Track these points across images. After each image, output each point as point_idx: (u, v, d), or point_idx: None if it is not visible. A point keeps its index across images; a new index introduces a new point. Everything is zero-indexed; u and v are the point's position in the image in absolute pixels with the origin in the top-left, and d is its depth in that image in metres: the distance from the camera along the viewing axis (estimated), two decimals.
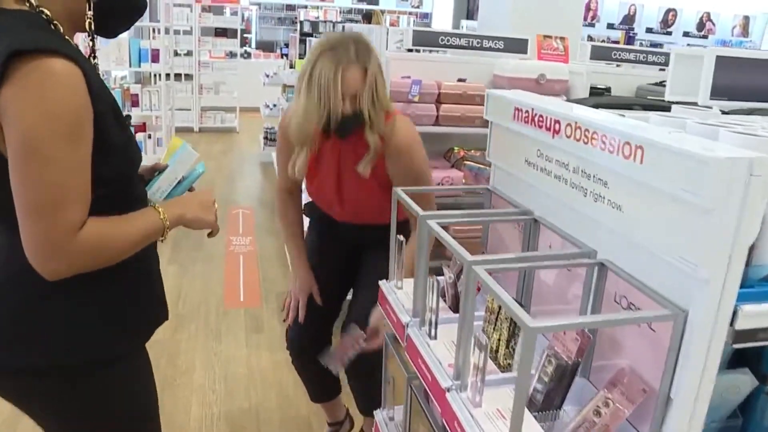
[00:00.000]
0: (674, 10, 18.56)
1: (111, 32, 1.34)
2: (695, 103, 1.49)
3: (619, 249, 1.14)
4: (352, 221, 2.18)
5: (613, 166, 1.10)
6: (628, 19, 18.12)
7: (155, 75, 6.54)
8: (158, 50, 4.75)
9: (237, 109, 9.32)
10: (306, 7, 15.03)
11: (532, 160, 1.39)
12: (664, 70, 3.77)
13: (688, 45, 17.23)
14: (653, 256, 1.04)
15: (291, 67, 5.47)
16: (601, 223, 1.17)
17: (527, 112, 1.37)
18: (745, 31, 19.53)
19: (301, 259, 2.25)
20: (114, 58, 4.72)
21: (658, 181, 1.00)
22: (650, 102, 2.10)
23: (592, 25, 13.81)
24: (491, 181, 1.65)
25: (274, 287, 4.13)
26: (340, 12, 13.53)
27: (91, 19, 1.24)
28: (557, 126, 1.25)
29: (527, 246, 1.43)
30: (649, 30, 18.17)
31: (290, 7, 16.16)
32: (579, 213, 1.24)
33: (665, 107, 1.59)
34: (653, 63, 3.62)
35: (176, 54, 9.26)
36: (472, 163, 3.16)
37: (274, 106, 7.01)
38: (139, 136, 4.96)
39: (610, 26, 17.50)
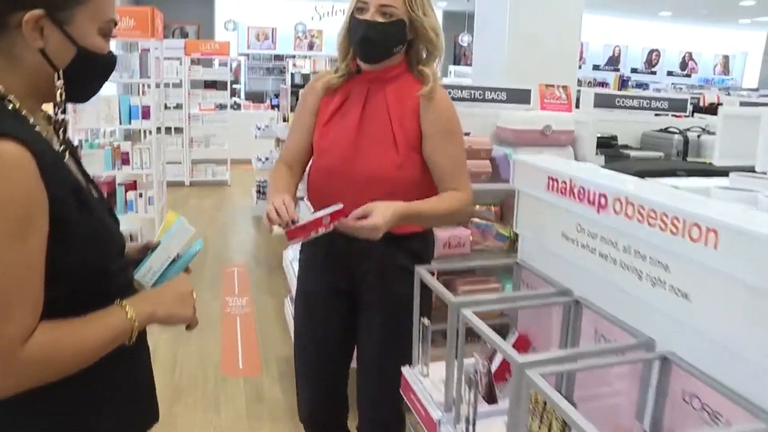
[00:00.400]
0: (657, 50, 18.92)
1: (84, 97, 1.20)
2: (750, 168, 1.37)
3: (686, 341, 1.00)
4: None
5: (676, 249, 0.97)
6: (614, 60, 18.42)
7: (145, 131, 6.45)
8: (149, 106, 4.62)
9: (228, 161, 9.23)
10: (294, 56, 15.14)
11: (571, 235, 1.26)
12: (660, 114, 3.70)
13: (673, 84, 17.50)
14: (731, 353, 0.91)
15: (284, 120, 5.39)
16: (660, 311, 1.04)
17: (564, 182, 1.24)
18: (725, 69, 19.90)
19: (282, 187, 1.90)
20: (104, 116, 4.61)
21: (737, 268, 0.87)
22: (694, 166, 1.98)
23: (579, 66, 13.90)
24: (519, 254, 1.52)
25: (274, 351, 3.95)
26: (329, 60, 13.59)
27: (62, 89, 1.11)
28: (603, 200, 1.13)
29: (567, 329, 1.29)
30: (634, 70, 18.47)
31: (278, 57, 16.27)
32: (632, 297, 1.10)
33: (711, 171, 1.48)
34: (657, 109, 3.55)
35: (166, 107, 9.22)
36: (479, 220, 3.04)
37: (266, 159, 6.90)
38: (130, 195, 4.83)
39: (596, 68, 17.78)
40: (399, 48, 1.79)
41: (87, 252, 1.08)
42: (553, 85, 3.38)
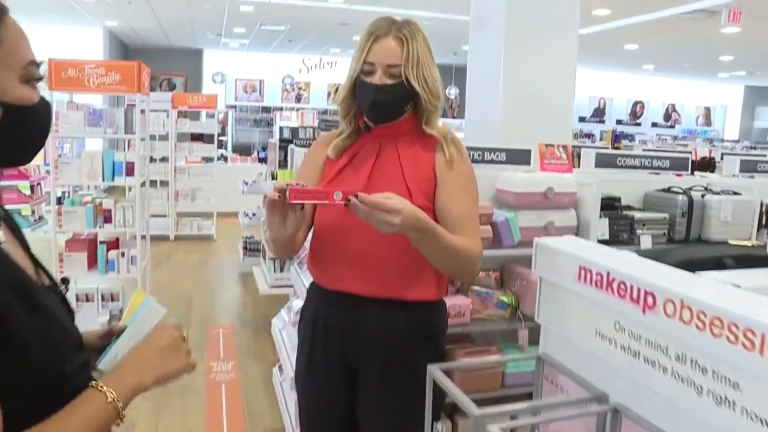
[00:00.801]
0: (641, 102, 19.19)
1: (23, 159, 1.04)
2: None
3: None
4: (361, 278, 1.70)
5: (750, 366, 0.82)
6: (599, 112, 18.64)
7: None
8: (133, 162, 4.48)
9: (214, 215, 9.06)
10: (282, 109, 15.15)
11: (608, 334, 1.11)
12: (660, 173, 3.61)
13: (657, 135, 17.70)
14: None
15: (273, 177, 5.25)
16: None
17: (600, 274, 1.10)
18: (707, 120, 20.21)
19: None
20: (86, 172, 4.45)
21: None
22: (737, 252, 1.82)
23: None
24: (541, 347, 1.36)
25: (262, 422, 3.73)
26: (317, 113, 13.61)
27: None
28: (650, 300, 0.98)
29: None
30: (619, 122, 18.69)
31: (266, 109, 16.29)
32: (687, 413, 0.95)
33: (760, 258, 1.34)
34: (658, 168, 3.45)
35: (152, 160, 9.09)
36: (479, 288, 2.89)
37: (253, 214, 6.74)
38: (112, 254, 4.63)
39: (582, 119, 17.96)
40: (409, 105, 1.72)
41: (38, 358, 0.92)
42: (552, 145, 3.28)
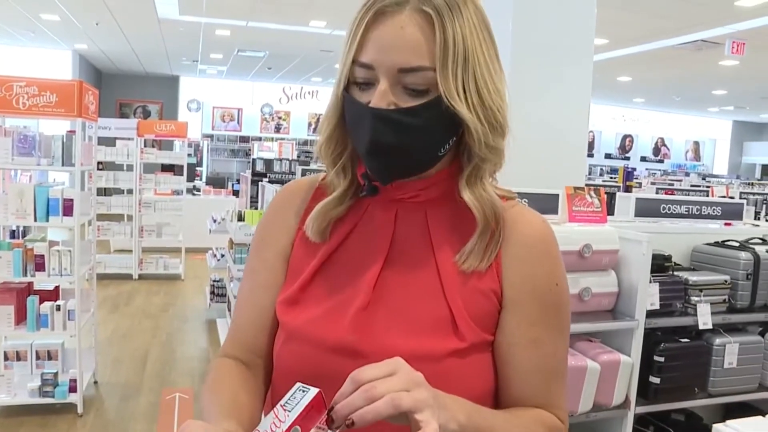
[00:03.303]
0: (630, 136, 18.83)
1: None
2: None
3: None
4: None
5: None
6: (588, 146, 18.21)
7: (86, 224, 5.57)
8: (71, 200, 3.76)
9: (182, 251, 8.32)
10: (261, 139, 14.52)
11: None
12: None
13: (647, 169, 17.30)
14: None
15: (240, 219, 4.53)
16: None
17: None
18: (696, 155, 19.91)
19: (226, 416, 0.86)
20: (13, 210, 3.72)
21: None
22: None
23: None
24: None
25: None
26: (296, 144, 12.95)
27: None
28: None
29: None
30: (608, 156, 18.28)
31: (244, 139, 15.64)
32: None
33: None
34: (708, 217, 2.82)
35: (118, 192, 8.37)
36: None
37: (222, 256, 6.03)
38: (45, 308, 3.88)
39: None
40: (448, 147, 0.91)
41: None
42: (582, 189, 2.63)
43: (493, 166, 0.93)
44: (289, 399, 0.73)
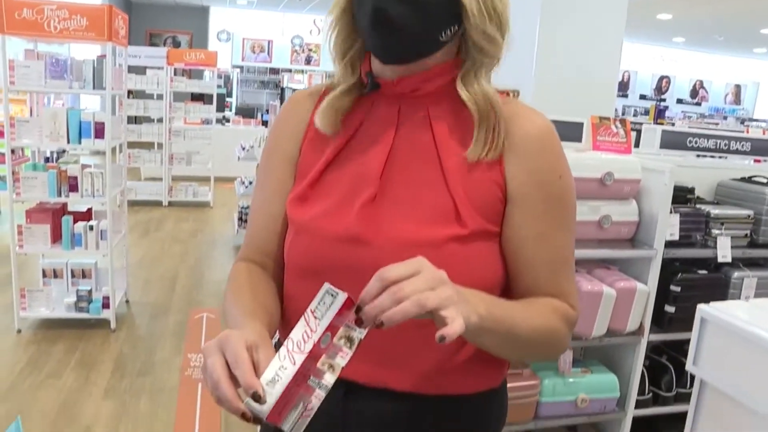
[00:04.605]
0: (668, 77, 18.31)
1: None
2: None
3: None
4: (361, 355, 0.87)
5: None
6: (622, 86, 17.78)
7: (117, 147, 5.68)
8: (102, 123, 3.83)
9: (211, 180, 8.44)
10: (290, 71, 14.43)
11: None
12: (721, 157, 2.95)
13: (683, 112, 16.88)
14: None
15: None
16: None
17: None
18: (736, 98, 19.32)
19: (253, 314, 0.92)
20: (48, 133, 3.81)
21: None
22: None
23: None
24: None
25: None
26: (326, 76, 12.84)
27: None
28: None
29: None
30: (642, 97, 17.85)
31: (274, 71, 15.56)
32: None
33: None
34: (737, 152, 2.79)
35: (149, 120, 8.46)
36: None
37: (250, 183, 6.12)
38: (78, 227, 4.01)
39: None
40: (448, 34, 0.93)
41: None
42: (608, 119, 2.62)
43: (490, 60, 0.96)
44: (318, 304, 0.75)
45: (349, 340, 0.76)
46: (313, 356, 0.73)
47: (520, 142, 0.96)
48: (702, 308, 1.21)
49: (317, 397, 0.74)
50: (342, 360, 0.76)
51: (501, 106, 0.96)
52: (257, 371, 0.73)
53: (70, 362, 3.76)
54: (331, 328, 0.75)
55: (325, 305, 0.75)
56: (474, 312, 0.78)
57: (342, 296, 0.75)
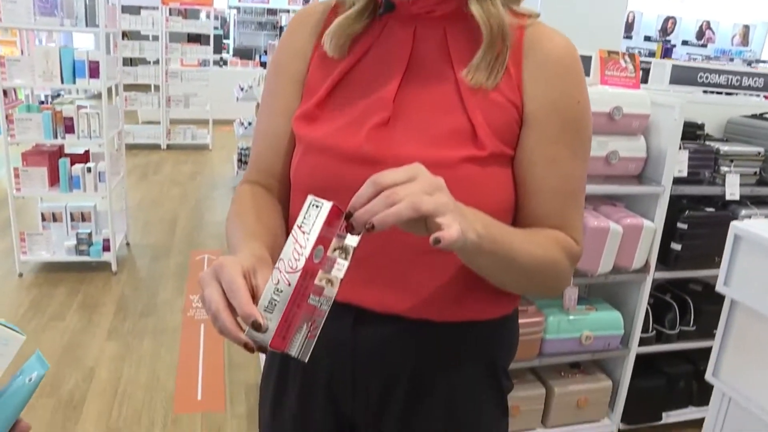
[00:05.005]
0: (673, 18, 17.89)
1: None
2: None
3: None
4: (369, 280, 0.92)
5: None
6: (627, 27, 17.40)
7: (113, 89, 5.59)
8: (97, 62, 3.74)
9: (210, 122, 8.34)
10: (288, 11, 14.09)
11: None
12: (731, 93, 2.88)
13: (687, 54, 16.57)
14: None
15: None
16: None
17: None
18: (744, 40, 18.92)
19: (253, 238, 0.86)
20: (40, 72, 3.72)
21: None
22: None
23: None
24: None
25: (243, 376, 3.17)
26: None
27: None
28: None
29: None
30: (647, 38, 17.48)
31: (271, 12, 15.20)
32: None
33: None
34: (749, 88, 2.71)
35: (145, 62, 8.30)
36: None
37: (249, 124, 6.03)
38: (76, 169, 3.96)
39: None
40: None
41: None
42: (617, 53, 2.54)
43: None
44: (304, 218, 0.71)
45: (344, 250, 0.72)
46: (308, 273, 0.69)
47: (542, 64, 0.91)
48: (736, 225, 1.17)
49: (320, 315, 0.70)
50: (339, 272, 0.71)
51: (511, 38, 0.91)
52: (256, 297, 0.69)
53: (73, 305, 3.77)
54: (322, 241, 0.70)
55: (311, 218, 0.70)
56: (471, 228, 0.73)
57: (327, 205, 0.71)
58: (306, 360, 0.69)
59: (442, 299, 0.92)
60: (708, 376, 1.20)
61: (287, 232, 0.97)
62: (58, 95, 7.29)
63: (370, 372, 0.97)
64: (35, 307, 3.70)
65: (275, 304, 0.67)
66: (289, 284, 0.68)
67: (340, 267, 0.71)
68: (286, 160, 1.00)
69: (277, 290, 0.68)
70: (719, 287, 1.24)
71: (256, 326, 0.65)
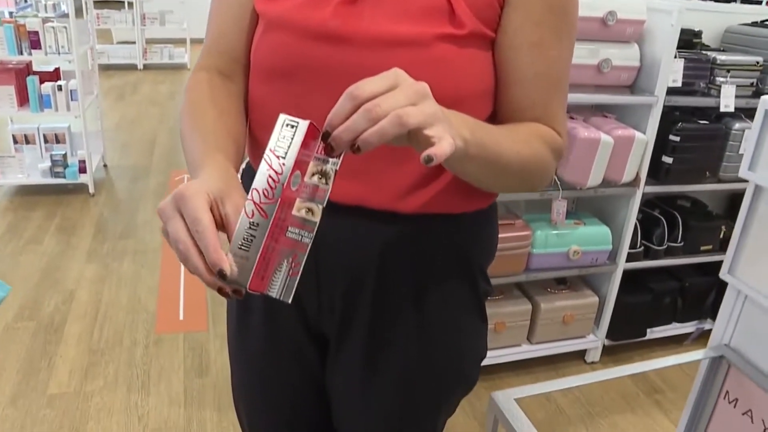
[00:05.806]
0: None
1: None
2: None
3: None
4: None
5: None
6: None
7: (83, 5, 5.33)
8: None
9: (187, 41, 8.05)
10: None
11: None
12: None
13: None
14: None
15: None
16: None
17: None
18: None
19: (216, 151, 0.78)
20: None
21: None
22: None
23: None
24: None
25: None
26: None
27: None
28: None
29: None
30: None
31: None
32: None
33: None
34: None
35: None
36: None
37: None
38: (46, 88, 3.79)
39: None
40: None
41: None
42: None
43: None
44: (278, 141, 0.62)
45: (324, 174, 0.64)
46: (285, 203, 0.61)
47: None
48: (766, 99, 1.08)
49: (302, 250, 0.62)
50: (320, 200, 0.64)
51: None
52: (227, 228, 0.61)
53: (50, 228, 3.68)
54: (299, 165, 0.62)
55: (285, 140, 0.62)
56: (458, 135, 0.66)
57: (304, 124, 0.62)
58: (289, 301, 0.62)
59: (406, 189, 0.85)
60: (723, 274, 1.15)
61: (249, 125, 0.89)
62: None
63: (334, 272, 0.89)
64: (12, 231, 3.62)
65: (251, 240, 0.60)
66: (266, 216, 0.60)
67: (322, 194, 0.63)
68: (249, 41, 0.90)
69: (253, 224, 0.60)
70: (742, 172, 1.16)
71: (223, 275, 0.58)
